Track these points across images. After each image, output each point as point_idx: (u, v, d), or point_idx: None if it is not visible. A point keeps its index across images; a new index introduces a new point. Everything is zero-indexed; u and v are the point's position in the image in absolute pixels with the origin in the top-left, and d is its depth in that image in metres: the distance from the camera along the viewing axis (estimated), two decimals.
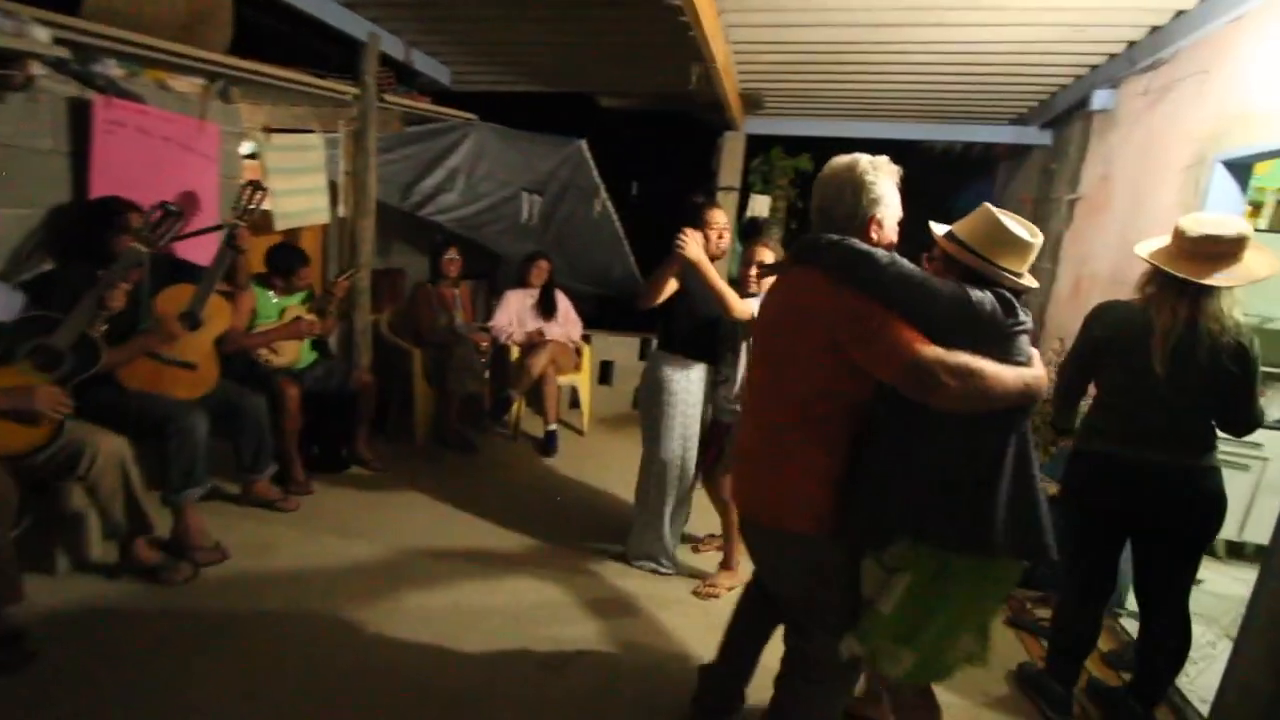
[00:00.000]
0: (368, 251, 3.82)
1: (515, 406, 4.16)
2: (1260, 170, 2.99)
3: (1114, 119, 3.38)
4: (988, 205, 1.48)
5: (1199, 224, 1.88)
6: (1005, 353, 1.37)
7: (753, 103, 4.38)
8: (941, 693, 1.71)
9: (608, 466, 3.86)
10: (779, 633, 1.84)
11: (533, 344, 4.23)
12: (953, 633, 1.46)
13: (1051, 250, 3.77)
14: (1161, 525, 2.01)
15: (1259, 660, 1.90)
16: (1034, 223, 1.48)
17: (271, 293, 3.17)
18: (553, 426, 4.15)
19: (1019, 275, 1.43)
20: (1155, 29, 2.89)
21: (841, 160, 1.55)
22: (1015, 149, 4.78)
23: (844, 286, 1.40)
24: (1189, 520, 1.98)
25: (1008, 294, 1.39)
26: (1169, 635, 2.06)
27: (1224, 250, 1.82)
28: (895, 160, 1.56)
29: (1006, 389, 1.33)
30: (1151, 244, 1.95)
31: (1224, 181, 2.54)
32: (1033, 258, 1.46)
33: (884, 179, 1.53)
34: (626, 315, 5.62)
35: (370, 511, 3.07)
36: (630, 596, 2.59)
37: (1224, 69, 2.55)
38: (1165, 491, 1.96)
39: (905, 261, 1.41)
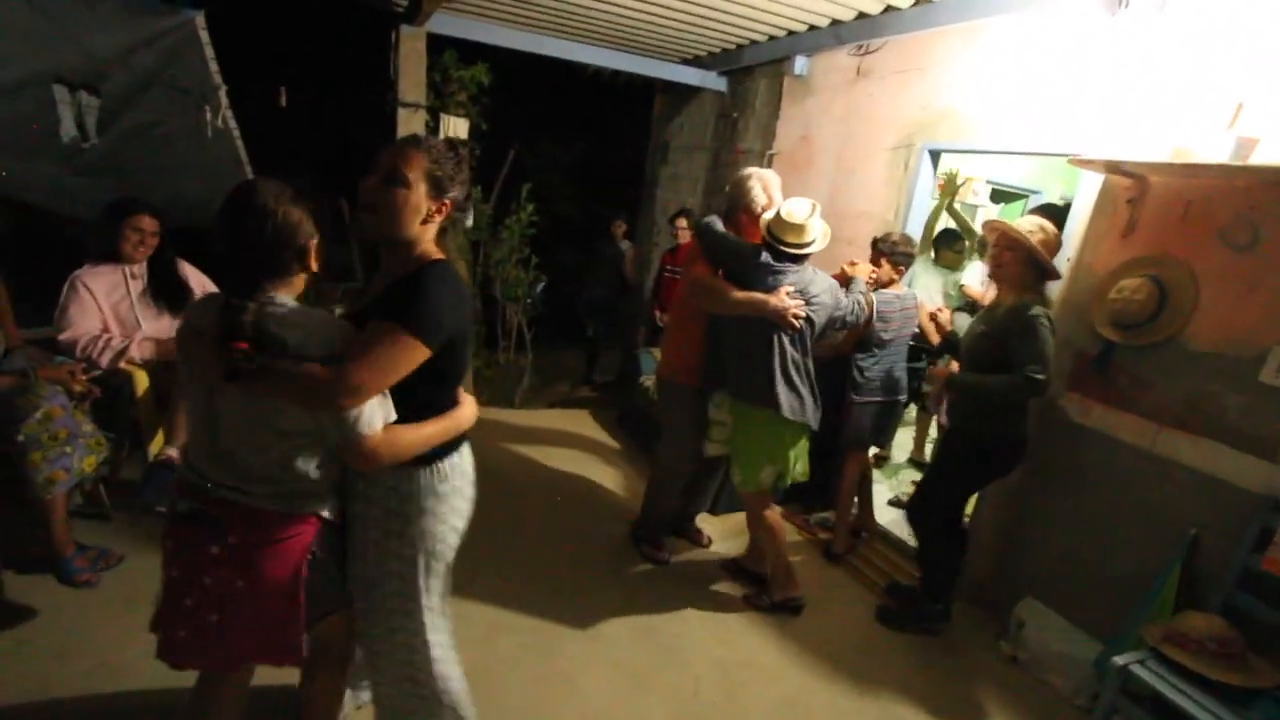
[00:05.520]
0: None
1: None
2: None
3: (810, 86, 3.80)
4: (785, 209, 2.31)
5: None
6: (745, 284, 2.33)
7: None
8: None
9: None
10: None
11: (173, 361, 2.60)
12: (750, 452, 2.47)
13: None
14: None
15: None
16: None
17: None
18: None
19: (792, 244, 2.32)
20: (863, 15, 3.27)
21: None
22: (673, 84, 4.95)
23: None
24: None
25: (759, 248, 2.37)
26: None
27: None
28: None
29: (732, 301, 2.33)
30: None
31: (926, 165, 3.18)
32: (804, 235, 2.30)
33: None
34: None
35: None
36: None
37: (931, 69, 3.09)
38: None
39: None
